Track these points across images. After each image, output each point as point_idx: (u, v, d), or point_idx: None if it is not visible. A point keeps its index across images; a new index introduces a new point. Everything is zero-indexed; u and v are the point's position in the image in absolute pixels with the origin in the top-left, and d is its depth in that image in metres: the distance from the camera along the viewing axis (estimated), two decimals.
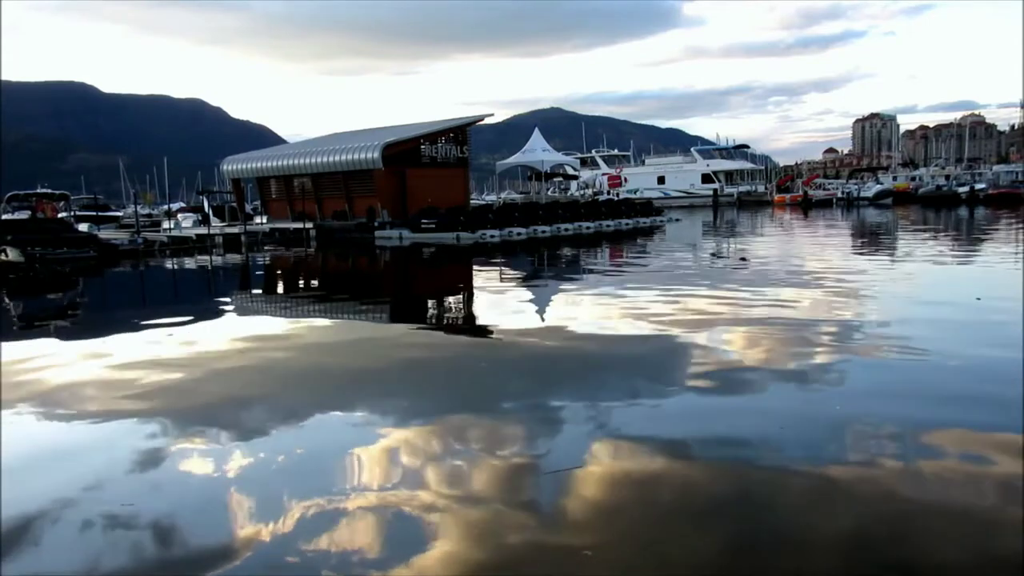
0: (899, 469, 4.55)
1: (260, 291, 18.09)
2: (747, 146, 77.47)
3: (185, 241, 32.68)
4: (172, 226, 38.17)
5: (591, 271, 18.75)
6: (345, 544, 3.77)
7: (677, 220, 41.31)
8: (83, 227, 32.72)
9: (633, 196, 52.58)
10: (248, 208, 43.95)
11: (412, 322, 12.07)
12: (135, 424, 6.04)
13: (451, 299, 14.88)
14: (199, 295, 17.73)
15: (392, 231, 32.03)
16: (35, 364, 8.75)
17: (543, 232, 31.55)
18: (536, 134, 42.15)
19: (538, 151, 41.08)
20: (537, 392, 6.73)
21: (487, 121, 45.16)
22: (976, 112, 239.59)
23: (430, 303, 14.35)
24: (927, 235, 25.73)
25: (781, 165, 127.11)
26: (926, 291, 12.59)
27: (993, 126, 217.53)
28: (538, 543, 3.76)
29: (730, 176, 69.82)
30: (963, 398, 6.05)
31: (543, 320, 11.11)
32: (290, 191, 39.59)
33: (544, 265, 21.09)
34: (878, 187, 62.49)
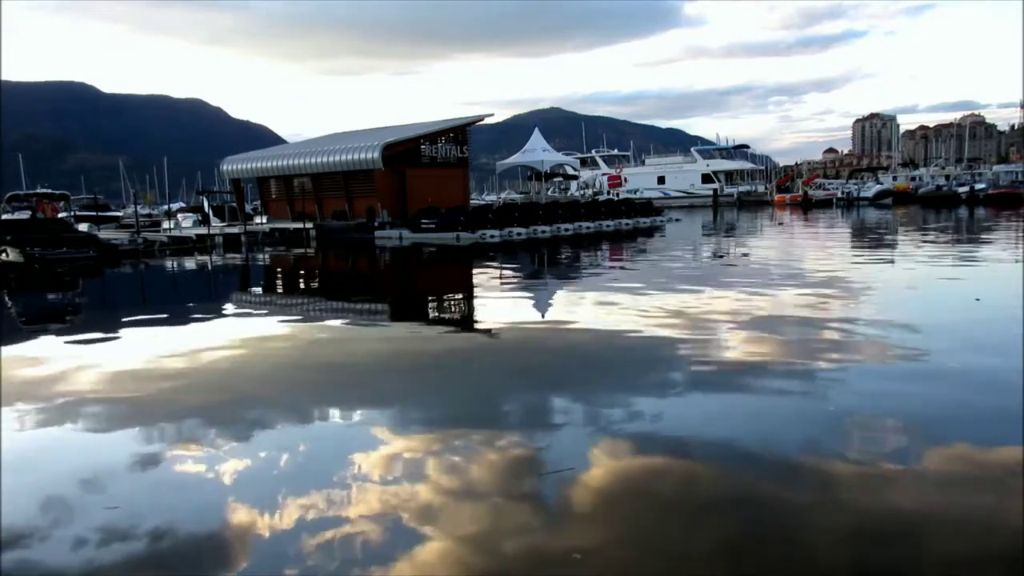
0: (896, 470, 4.56)
1: (259, 292, 18.09)
2: (747, 146, 77.53)
3: (185, 241, 32.70)
4: (172, 226, 38.19)
5: (590, 271, 18.74)
6: (343, 542, 3.78)
7: (677, 220, 41.30)
8: (83, 227, 32.78)
9: (633, 196, 52.55)
10: (248, 208, 43.96)
11: (412, 322, 12.06)
12: (131, 424, 6.03)
13: (451, 299, 14.88)
14: (199, 296, 17.72)
15: (392, 231, 32.02)
16: (32, 364, 8.76)
17: (543, 232, 31.55)
18: (536, 134, 42.13)
19: (538, 151, 41.06)
20: (535, 392, 6.73)
21: (487, 121, 45.17)
22: (976, 112, 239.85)
23: (430, 303, 14.36)
24: (926, 235, 25.72)
25: (781, 165, 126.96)
26: (925, 292, 12.58)
27: (993, 126, 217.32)
28: (533, 544, 3.75)
29: (730, 176, 69.84)
30: (961, 397, 6.06)
31: (542, 320, 11.11)
32: (290, 191, 39.60)
33: (544, 265, 21.09)
34: (878, 187, 62.47)
